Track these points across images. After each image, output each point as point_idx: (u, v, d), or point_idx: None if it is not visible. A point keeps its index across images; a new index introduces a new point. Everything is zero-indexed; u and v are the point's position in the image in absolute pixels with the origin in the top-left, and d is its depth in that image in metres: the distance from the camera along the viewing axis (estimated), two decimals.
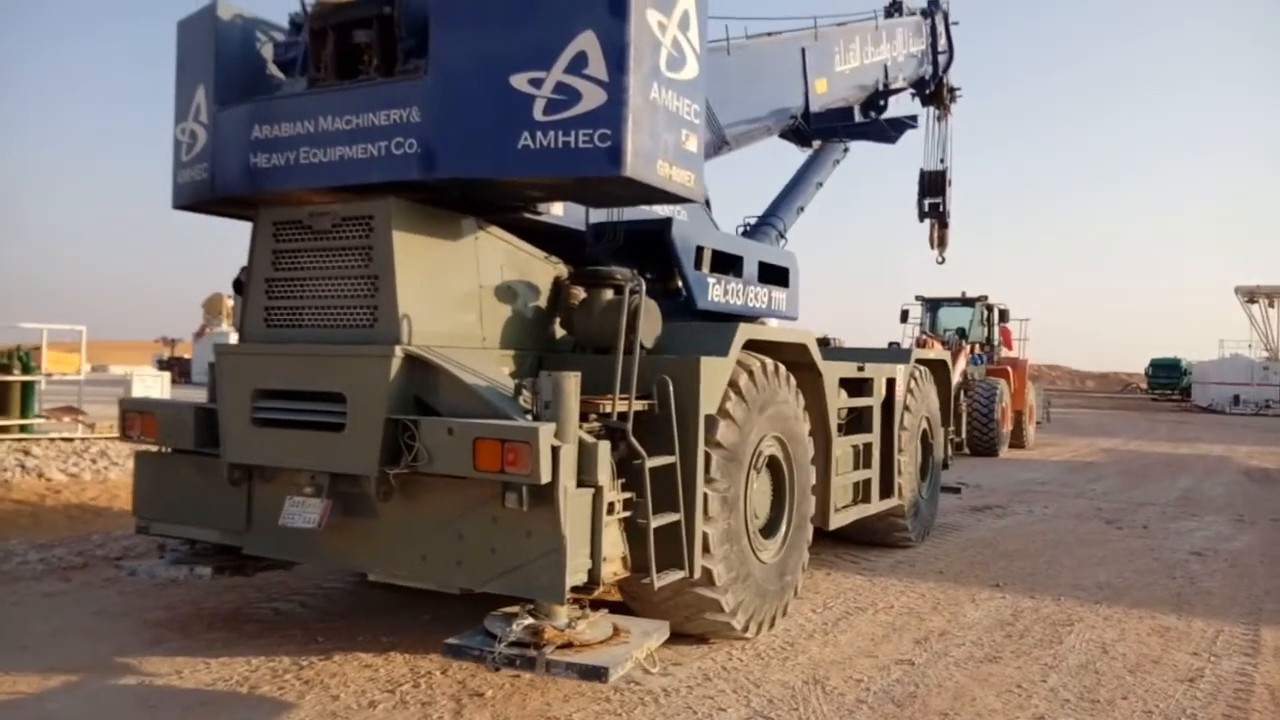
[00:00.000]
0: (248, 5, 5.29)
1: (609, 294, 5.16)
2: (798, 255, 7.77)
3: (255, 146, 4.80)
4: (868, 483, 7.31)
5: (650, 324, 5.07)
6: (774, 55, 8.94)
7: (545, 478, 3.86)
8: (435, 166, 4.33)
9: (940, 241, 15.19)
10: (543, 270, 5.37)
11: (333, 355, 4.50)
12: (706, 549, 4.85)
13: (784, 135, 9.73)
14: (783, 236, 9.59)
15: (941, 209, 14.78)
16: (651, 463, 4.48)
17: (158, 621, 5.47)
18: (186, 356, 46.94)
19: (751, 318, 6.87)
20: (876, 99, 10.95)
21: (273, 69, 5.30)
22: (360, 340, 4.51)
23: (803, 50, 9.25)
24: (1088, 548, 8.59)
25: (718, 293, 6.35)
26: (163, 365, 39.03)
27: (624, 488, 4.45)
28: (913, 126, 10.49)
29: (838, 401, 6.78)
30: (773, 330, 6.11)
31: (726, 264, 6.54)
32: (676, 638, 5.18)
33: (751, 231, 9.44)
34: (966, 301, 21.01)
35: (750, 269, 6.80)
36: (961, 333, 20.26)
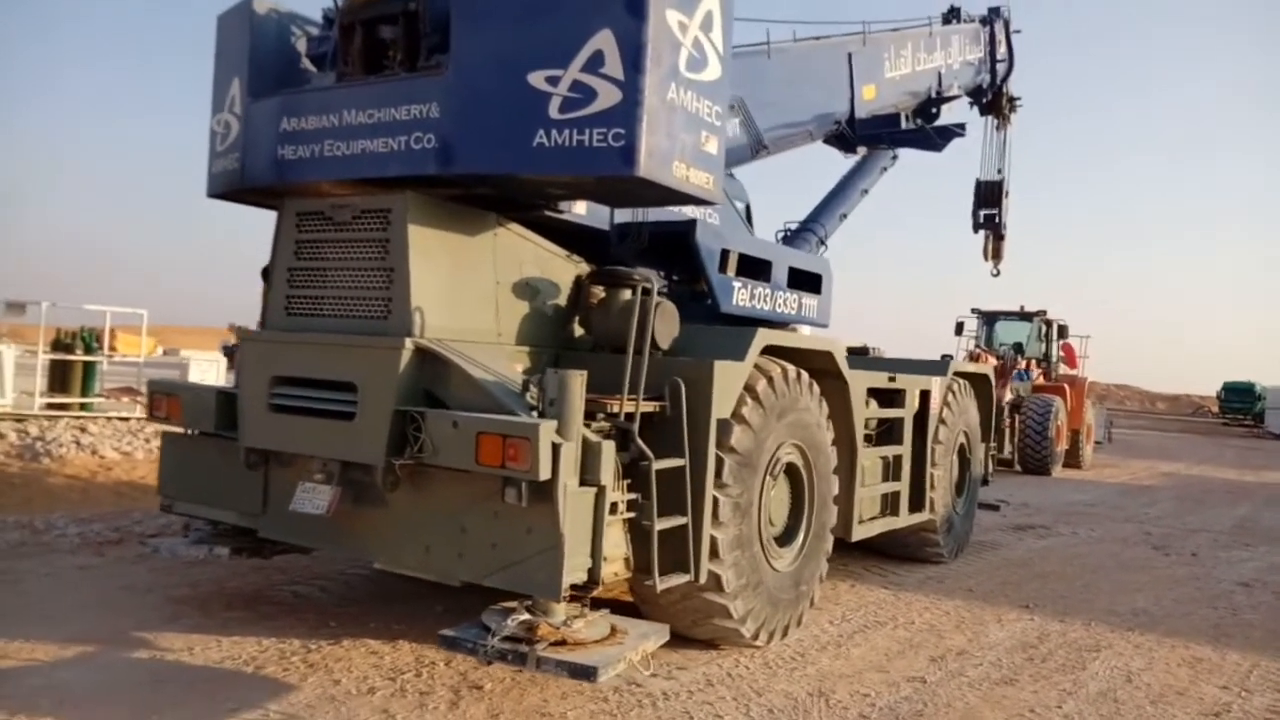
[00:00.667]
0: (283, 0, 5.42)
1: (626, 294, 5.15)
2: (835, 262, 7.68)
3: (283, 138, 4.89)
4: (896, 495, 7.17)
5: (666, 325, 5.04)
6: (818, 60, 8.84)
7: (545, 475, 3.85)
8: (452, 162, 4.36)
9: (995, 253, 14.91)
10: (564, 269, 5.38)
11: (346, 345, 4.56)
12: (715, 554, 4.80)
13: (828, 141, 9.63)
14: (823, 243, 9.49)
15: (997, 220, 14.51)
16: (659, 465, 4.45)
17: (180, 598, 5.60)
18: None
19: (780, 323, 6.79)
20: (929, 106, 10.77)
21: (306, 63, 5.41)
22: (374, 331, 4.56)
23: (849, 55, 9.13)
24: (1129, 573, 8.31)
25: (744, 297, 6.28)
26: (227, 351, 40.16)
27: (631, 488, 4.43)
28: (960, 135, 10.29)
29: (865, 411, 6.67)
30: (795, 336, 6.02)
31: (755, 268, 6.47)
32: (686, 642, 5.17)
33: (791, 237, 9.36)
34: (1024, 316, 20.51)
35: (779, 274, 6.72)
36: (1018, 348, 19.80)
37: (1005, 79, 13.10)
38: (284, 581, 6.10)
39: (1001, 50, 12.69)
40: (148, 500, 8.97)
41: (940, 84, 10.90)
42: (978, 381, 8.93)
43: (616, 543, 4.36)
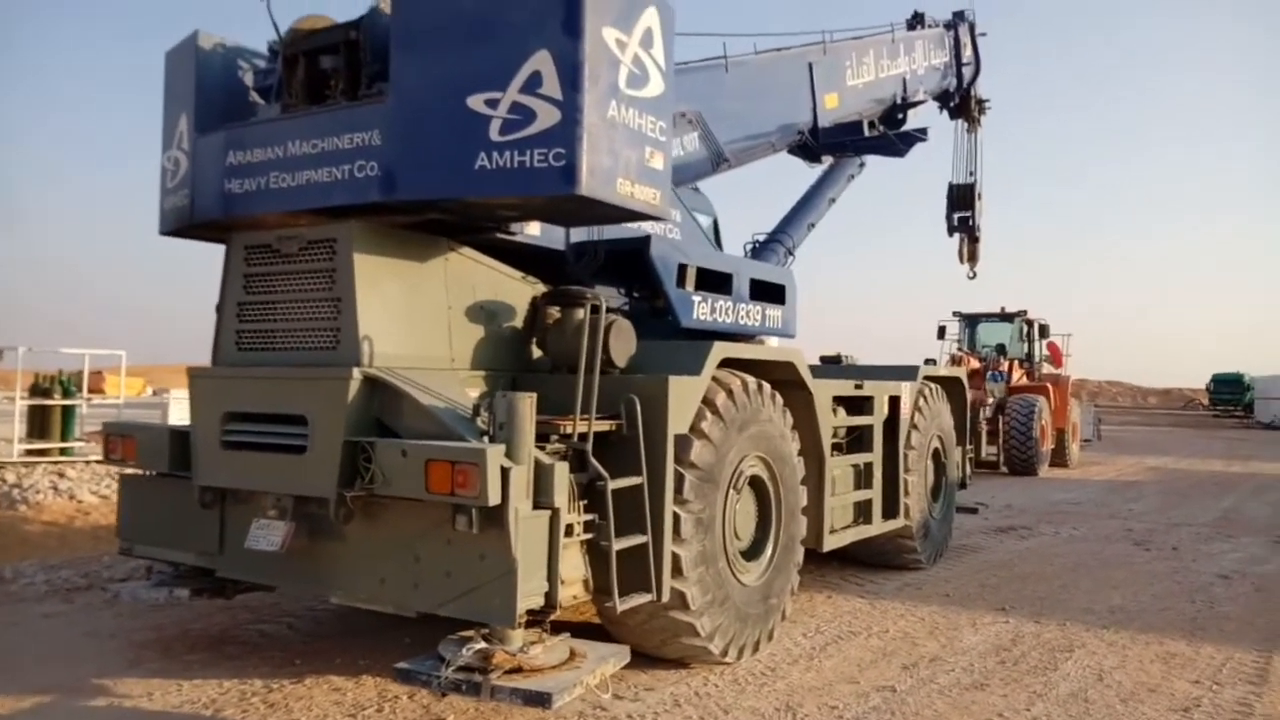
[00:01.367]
0: (232, 33, 5.42)
1: (580, 313, 5.13)
2: (808, 272, 7.69)
3: (229, 172, 4.88)
4: (869, 503, 7.14)
5: (621, 343, 5.03)
6: (779, 71, 8.86)
7: (494, 500, 3.82)
8: (395, 188, 4.36)
9: (970, 256, 14.97)
10: (519, 291, 5.36)
11: (295, 378, 4.53)
12: (679, 571, 4.77)
13: (792, 151, 9.63)
14: (791, 254, 9.48)
15: (971, 223, 14.57)
16: (616, 484, 4.42)
17: (143, 643, 5.53)
18: None
19: (745, 336, 6.78)
20: (895, 112, 10.79)
21: (254, 96, 5.40)
22: (324, 362, 4.53)
23: (810, 65, 9.16)
24: (1109, 570, 8.30)
25: (704, 311, 6.27)
26: None
27: (588, 509, 4.40)
28: (923, 139, 10.33)
29: (832, 420, 6.65)
30: (753, 348, 6.01)
31: (715, 282, 6.46)
32: (656, 662, 5.13)
33: (759, 249, 9.36)
34: (1005, 317, 20.59)
35: (741, 287, 6.71)
36: (1001, 349, 19.85)
37: (972, 82, 13.16)
38: (250, 620, 6.03)
39: (967, 54, 12.76)
40: None
41: (905, 90, 10.93)
42: (951, 385, 8.93)
43: (575, 565, 4.33)
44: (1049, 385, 18.88)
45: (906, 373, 8.01)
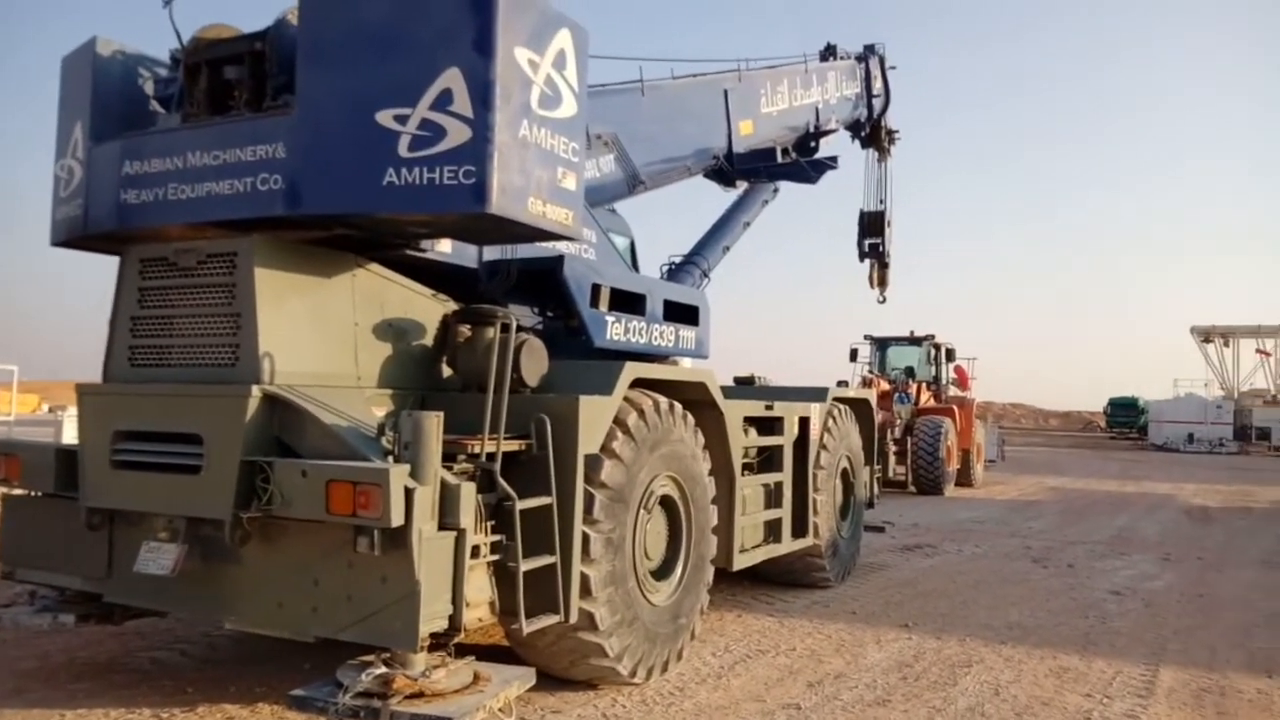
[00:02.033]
0: (132, 40, 5.26)
1: (491, 332, 5.09)
2: (724, 293, 7.78)
3: (125, 182, 4.74)
4: (778, 522, 7.23)
5: (533, 362, 5.01)
6: (694, 96, 9.00)
7: (397, 521, 3.75)
8: (300, 202, 4.28)
9: (881, 281, 15.35)
10: (429, 308, 5.30)
11: (190, 395, 4.39)
12: (587, 592, 4.75)
13: (707, 175, 9.79)
14: (706, 276, 9.61)
15: (881, 249, 14.95)
16: (524, 504, 4.39)
17: (26, 671, 5.25)
18: None
19: (658, 357, 6.83)
20: (808, 140, 11.05)
21: (154, 105, 5.24)
22: (221, 380, 4.40)
23: (725, 92, 9.33)
24: (1008, 587, 8.57)
25: (618, 331, 6.29)
26: None
27: (496, 529, 4.36)
28: (833, 167, 10.60)
29: (743, 440, 6.74)
30: (665, 369, 6.05)
31: (629, 302, 6.50)
32: (564, 684, 5.09)
33: (675, 270, 9.46)
34: (914, 340, 21.16)
35: (655, 307, 6.76)
36: (910, 371, 20.39)
37: (883, 113, 13.59)
38: (141, 647, 5.78)
39: (878, 85, 13.17)
40: None
41: (818, 118, 11.23)
42: (859, 406, 9.14)
43: (480, 587, 4.28)
44: (955, 407, 19.48)
45: (816, 394, 8.16)
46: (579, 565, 4.69)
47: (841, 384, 16.60)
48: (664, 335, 6.87)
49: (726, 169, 9.66)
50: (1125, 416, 54.68)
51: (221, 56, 4.74)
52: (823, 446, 7.93)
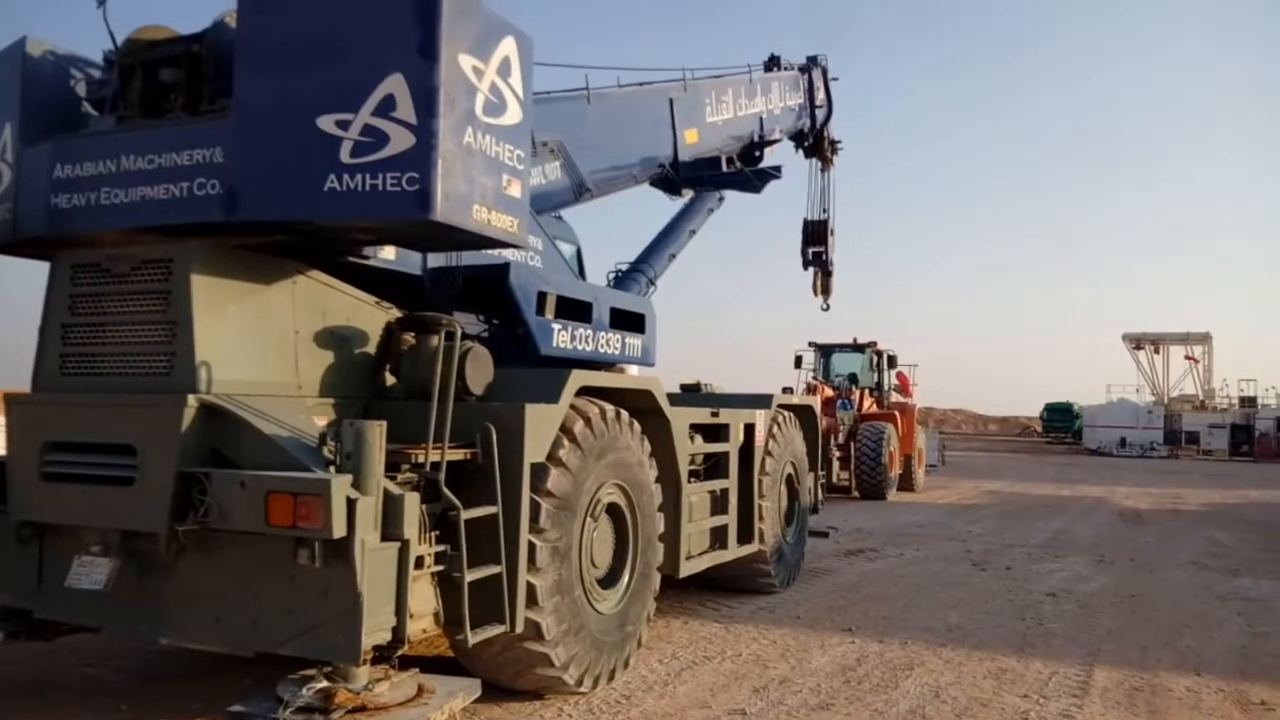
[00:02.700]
0: (64, 41, 5.12)
1: (436, 340, 5.05)
2: (671, 301, 7.82)
3: (57, 186, 4.61)
4: (724, 529, 7.28)
5: (478, 370, 4.98)
6: (639, 105, 9.05)
7: (339, 532, 3.69)
8: (238, 208, 4.21)
9: (824, 289, 15.57)
10: (372, 316, 5.23)
11: (123, 405, 4.28)
12: (533, 601, 4.73)
13: (653, 183, 9.85)
14: (653, 283, 9.65)
15: (824, 257, 15.16)
16: (469, 514, 4.36)
17: None
18: None
19: (604, 364, 6.84)
20: (752, 149, 11.17)
21: (87, 107, 5.11)
22: (156, 389, 4.29)
23: (671, 101, 9.40)
24: (949, 590, 8.73)
25: (564, 339, 6.29)
26: None
27: (441, 540, 4.32)
28: (777, 177, 10.75)
29: (689, 447, 6.76)
30: (612, 376, 6.07)
31: (576, 310, 6.50)
32: (510, 694, 5.06)
33: (622, 278, 9.48)
34: (857, 348, 21.48)
35: (602, 315, 6.78)
36: (853, 378, 20.68)
37: (825, 123, 13.78)
38: (75, 664, 5.61)
39: (820, 96, 13.35)
40: None
41: (762, 128, 11.35)
42: (803, 413, 9.24)
43: (425, 598, 4.24)
44: (897, 413, 19.80)
45: (761, 401, 8.23)
46: (525, 575, 4.67)
47: (787, 390, 16.79)
48: (610, 343, 6.88)
49: (672, 177, 9.73)
50: (1061, 421, 56.16)
51: (157, 58, 4.64)
52: (768, 453, 8.00)
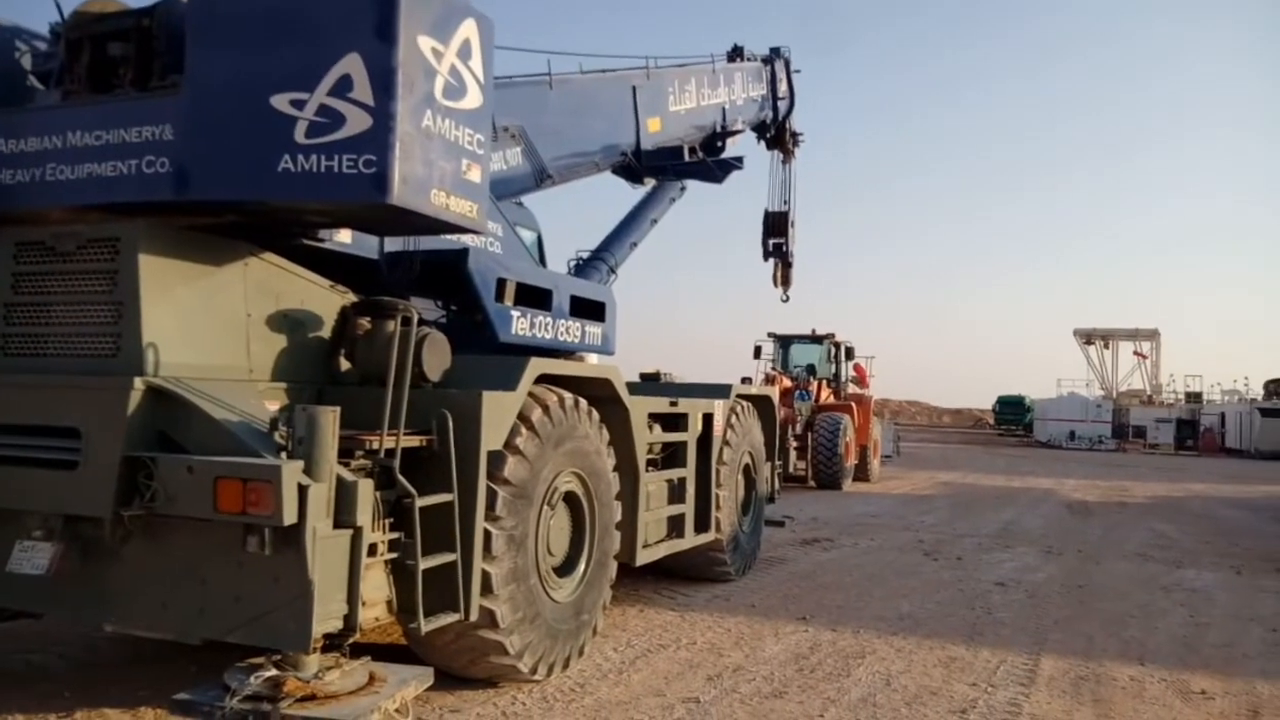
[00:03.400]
0: (9, 12, 4.96)
1: (392, 325, 4.99)
2: (632, 289, 7.80)
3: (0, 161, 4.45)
4: (681, 518, 7.30)
5: (435, 357, 4.92)
6: (603, 92, 9.00)
7: (290, 519, 3.64)
8: (188, 187, 4.10)
9: (784, 280, 15.60)
10: (327, 300, 5.14)
11: (67, 386, 4.17)
12: (489, 589, 4.70)
13: (615, 171, 9.82)
14: (614, 272, 9.62)
15: (785, 249, 15.20)
16: (424, 501, 4.32)
17: None
18: None
19: (564, 352, 6.80)
20: (715, 140, 11.17)
21: (32, 80, 4.96)
22: (101, 371, 4.19)
23: (634, 89, 9.35)
24: (901, 579, 8.85)
25: (523, 326, 6.24)
26: None
27: (395, 527, 4.27)
28: (739, 168, 10.76)
29: (648, 436, 6.77)
30: (571, 364, 6.04)
31: (535, 297, 6.46)
32: (463, 683, 5.04)
33: (582, 266, 9.44)
34: (815, 339, 21.64)
35: (561, 303, 6.74)
36: (811, 369, 20.84)
37: (787, 115, 13.80)
38: (14, 650, 5.48)
39: (783, 88, 13.37)
40: None
41: (725, 119, 11.35)
42: (761, 403, 9.29)
43: (378, 585, 4.20)
44: (854, 404, 19.99)
45: (720, 391, 8.26)
46: (480, 563, 4.64)
47: (746, 381, 16.86)
48: (570, 331, 6.85)
49: (635, 166, 9.70)
50: (1012, 414, 57.16)
51: (105, 32, 4.51)
52: (726, 443, 8.03)
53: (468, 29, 4.52)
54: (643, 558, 6.65)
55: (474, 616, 4.62)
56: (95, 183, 4.23)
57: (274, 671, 3.76)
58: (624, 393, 6.26)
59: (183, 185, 4.09)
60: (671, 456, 7.35)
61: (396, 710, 3.93)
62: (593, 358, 7.49)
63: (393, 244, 5.68)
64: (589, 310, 7.12)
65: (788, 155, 14.54)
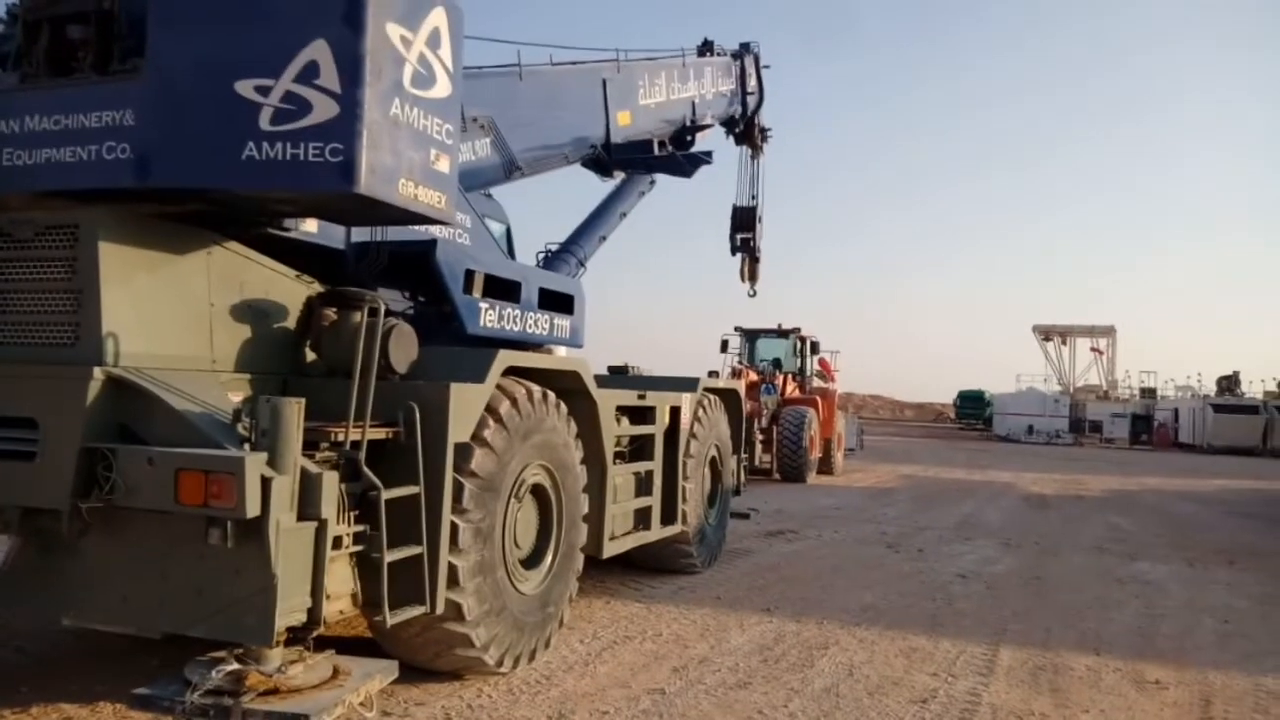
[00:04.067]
0: None
1: (358, 316, 4.94)
2: (602, 283, 7.79)
3: None
4: (648, 510, 7.32)
5: (402, 348, 4.89)
6: (573, 84, 8.97)
7: (253, 511, 3.60)
8: (150, 174, 4.03)
9: (751, 275, 15.66)
10: (292, 290, 5.08)
11: (24, 377, 4.08)
12: (455, 582, 4.69)
13: (585, 164, 9.79)
14: (582, 265, 9.61)
15: (752, 244, 15.25)
16: (390, 493, 4.29)
17: None
18: None
19: (532, 345, 6.78)
20: (684, 134, 11.18)
21: None
22: (60, 360, 4.10)
23: (604, 81, 9.33)
24: (864, 570, 8.95)
25: (491, 318, 6.22)
26: None
27: (361, 520, 4.24)
28: (708, 162, 10.79)
29: (616, 429, 6.77)
30: (539, 357, 6.03)
31: (504, 289, 6.43)
32: (429, 675, 5.02)
33: (551, 259, 9.42)
34: (781, 333, 21.77)
35: (530, 295, 6.72)
36: (777, 363, 20.96)
37: (756, 110, 13.84)
38: None
39: (752, 83, 13.41)
40: None
41: (694, 113, 11.35)
42: (728, 397, 9.33)
43: (342, 578, 4.17)
44: (818, 398, 20.15)
45: (687, 384, 8.28)
46: (446, 555, 4.63)
47: (712, 374, 16.91)
48: (539, 323, 6.83)
49: (604, 159, 9.69)
50: (973, 409, 57.99)
51: (65, 14, 4.38)
52: (693, 435, 8.06)
53: (437, 17, 4.48)
54: (610, 550, 6.66)
55: (440, 609, 4.61)
56: (54, 168, 4.14)
57: (236, 665, 3.72)
58: (592, 386, 6.26)
59: (144, 172, 4.02)
60: (639, 449, 7.36)
61: (361, 704, 3.91)
62: (561, 350, 7.47)
63: (360, 234, 5.62)
64: (558, 303, 7.11)
65: (756, 150, 14.58)
